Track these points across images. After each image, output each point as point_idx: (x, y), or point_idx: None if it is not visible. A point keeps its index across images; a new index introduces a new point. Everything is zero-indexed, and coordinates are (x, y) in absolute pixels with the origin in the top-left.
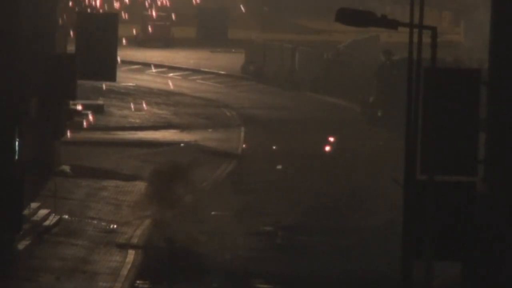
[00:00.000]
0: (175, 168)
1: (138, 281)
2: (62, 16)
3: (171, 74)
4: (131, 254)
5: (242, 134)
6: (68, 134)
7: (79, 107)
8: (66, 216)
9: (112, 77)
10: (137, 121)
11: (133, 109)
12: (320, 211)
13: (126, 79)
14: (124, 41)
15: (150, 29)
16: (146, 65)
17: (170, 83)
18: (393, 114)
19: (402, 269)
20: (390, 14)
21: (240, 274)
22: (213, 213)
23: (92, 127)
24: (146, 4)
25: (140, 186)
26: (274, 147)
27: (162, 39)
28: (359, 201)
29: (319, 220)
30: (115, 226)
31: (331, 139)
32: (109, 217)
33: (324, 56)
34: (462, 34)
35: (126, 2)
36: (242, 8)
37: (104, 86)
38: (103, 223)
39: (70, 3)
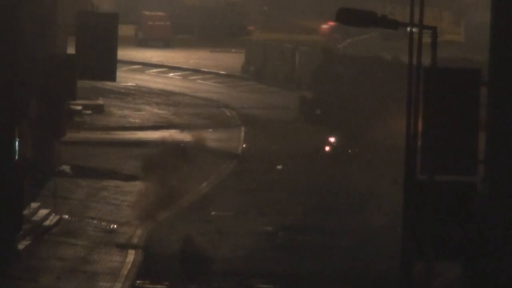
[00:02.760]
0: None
1: (138, 281)
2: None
3: (171, 74)
4: (131, 254)
5: (242, 134)
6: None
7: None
8: (66, 216)
9: (112, 77)
10: (137, 121)
11: (133, 109)
12: (320, 211)
13: (126, 79)
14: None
15: (150, 29)
16: (146, 65)
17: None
18: (332, 112)
19: (402, 269)
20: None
21: (241, 274)
22: (213, 213)
23: (92, 127)
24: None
25: (140, 186)
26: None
27: (162, 39)
28: (359, 201)
29: (319, 220)
30: (115, 226)
31: (331, 139)
32: (109, 217)
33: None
34: (462, 34)
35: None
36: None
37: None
38: (103, 223)
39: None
